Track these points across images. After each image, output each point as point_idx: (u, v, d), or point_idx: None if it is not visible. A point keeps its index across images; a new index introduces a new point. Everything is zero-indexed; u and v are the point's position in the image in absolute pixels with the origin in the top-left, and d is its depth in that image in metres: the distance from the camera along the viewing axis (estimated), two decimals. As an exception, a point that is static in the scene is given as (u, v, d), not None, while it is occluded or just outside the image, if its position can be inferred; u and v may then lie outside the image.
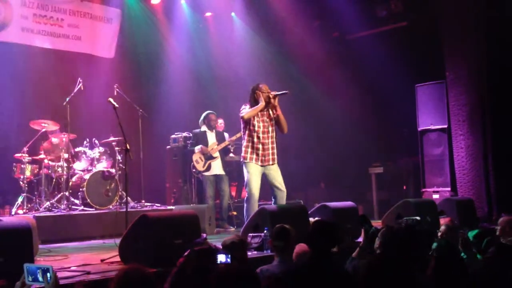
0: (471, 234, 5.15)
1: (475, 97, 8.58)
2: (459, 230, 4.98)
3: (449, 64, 8.88)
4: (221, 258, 3.30)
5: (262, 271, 3.87)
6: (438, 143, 9.15)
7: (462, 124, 8.67)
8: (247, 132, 6.61)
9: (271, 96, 6.53)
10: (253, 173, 6.52)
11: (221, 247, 3.82)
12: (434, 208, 6.98)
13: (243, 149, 6.64)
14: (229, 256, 3.27)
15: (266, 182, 6.69)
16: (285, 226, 4.26)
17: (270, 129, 6.62)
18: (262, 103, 6.50)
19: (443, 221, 6.59)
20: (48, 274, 2.79)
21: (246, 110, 6.57)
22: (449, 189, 8.88)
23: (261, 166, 6.55)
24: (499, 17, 8.47)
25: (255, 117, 6.56)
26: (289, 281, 2.95)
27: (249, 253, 5.12)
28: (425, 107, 9.28)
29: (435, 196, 8.73)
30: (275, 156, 6.64)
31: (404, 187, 10.35)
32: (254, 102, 6.60)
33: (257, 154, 6.52)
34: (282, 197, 6.57)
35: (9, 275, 3.47)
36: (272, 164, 6.60)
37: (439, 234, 5.03)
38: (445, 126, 8.98)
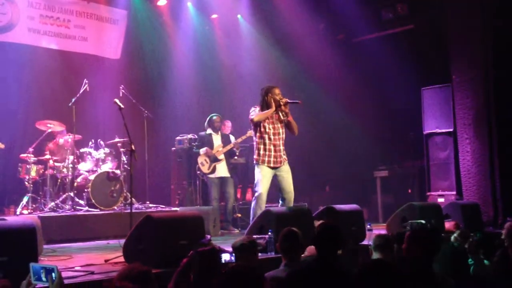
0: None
1: (481, 100, 8.53)
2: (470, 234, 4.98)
3: (455, 67, 8.85)
4: (226, 257, 3.31)
5: (267, 278, 3.84)
6: (443, 146, 9.10)
7: (468, 127, 8.63)
8: (258, 134, 6.59)
9: (282, 103, 6.51)
10: (264, 175, 6.50)
11: (227, 249, 3.82)
12: (439, 212, 6.95)
13: (255, 151, 6.61)
14: (233, 254, 3.27)
15: (273, 185, 6.66)
16: (292, 229, 4.24)
17: (280, 130, 6.62)
18: (272, 109, 6.50)
19: (448, 224, 6.57)
20: (53, 274, 2.79)
21: (256, 113, 6.56)
22: (454, 192, 8.83)
23: (274, 168, 6.54)
24: (506, 21, 8.43)
25: (266, 119, 6.54)
26: (294, 282, 2.95)
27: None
28: (430, 110, 9.24)
29: (441, 200, 8.68)
30: (286, 157, 6.64)
31: (409, 191, 10.30)
32: (265, 105, 6.55)
33: (270, 156, 6.51)
34: (290, 200, 6.55)
35: (13, 275, 3.47)
36: (284, 165, 6.60)
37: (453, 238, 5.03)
38: (451, 130, 8.94)
